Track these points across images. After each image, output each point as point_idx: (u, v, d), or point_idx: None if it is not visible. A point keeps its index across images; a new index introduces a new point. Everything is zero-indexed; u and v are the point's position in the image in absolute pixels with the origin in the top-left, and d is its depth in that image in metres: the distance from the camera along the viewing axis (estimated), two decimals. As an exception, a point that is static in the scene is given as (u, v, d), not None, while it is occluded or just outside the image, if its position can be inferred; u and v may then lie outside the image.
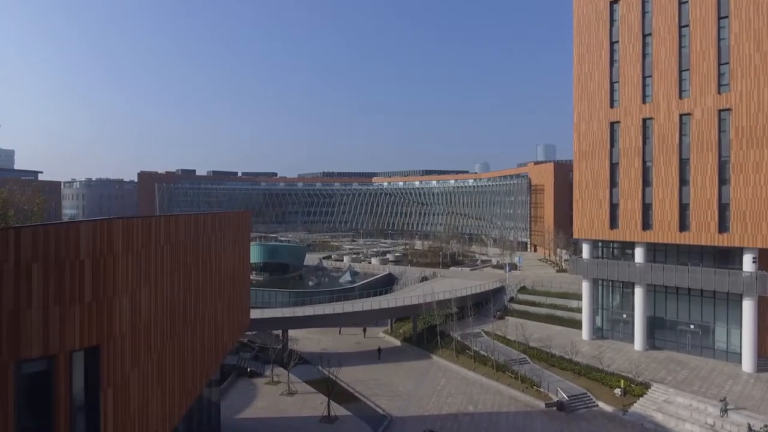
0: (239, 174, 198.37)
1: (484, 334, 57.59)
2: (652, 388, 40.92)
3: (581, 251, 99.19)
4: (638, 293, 50.87)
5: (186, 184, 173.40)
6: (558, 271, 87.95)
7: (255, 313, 51.76)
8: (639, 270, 49.84)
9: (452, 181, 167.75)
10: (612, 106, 51.74)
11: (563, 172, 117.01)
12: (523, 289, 70.81)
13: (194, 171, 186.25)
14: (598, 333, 55.15)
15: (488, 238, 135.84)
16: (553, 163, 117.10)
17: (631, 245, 51.67)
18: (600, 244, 55.31)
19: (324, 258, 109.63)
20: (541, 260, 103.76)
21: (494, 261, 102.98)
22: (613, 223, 51.75)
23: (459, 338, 54.53)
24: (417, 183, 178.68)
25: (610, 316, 55.24)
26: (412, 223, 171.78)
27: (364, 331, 63.00)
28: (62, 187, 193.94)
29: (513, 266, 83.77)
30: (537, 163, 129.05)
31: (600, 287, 55.71)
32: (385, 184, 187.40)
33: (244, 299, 33.61)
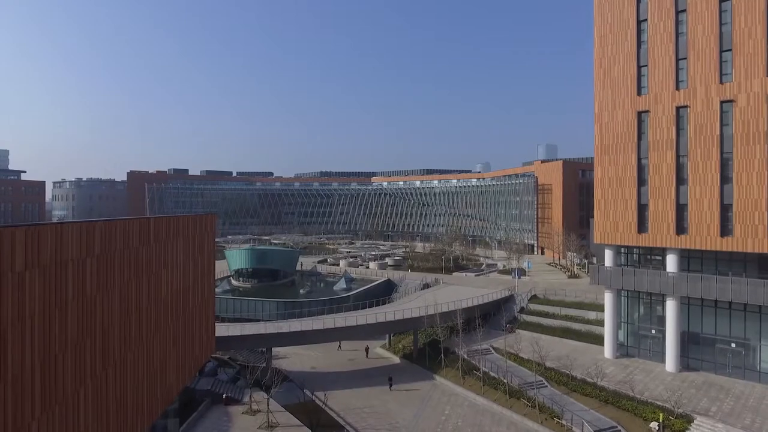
0: (234, 174, 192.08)
1: (493, 351, 51.40)
2: (695, 422, 34.67)
3: (593, 255, 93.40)
4: (670, 306, 44.58)
5: (177, 184, 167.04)
6: (570, 277, 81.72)
7: (235, 329, 45.67)
8: (673, 280, 43.54)
9: (455, 181, 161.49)
10: (640, 93, 45.47)
11: (572, 171, 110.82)
12: (534, 299, 64.51)
13: (187, 170, 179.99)
14: (622, 350, 48.88)
15: (492, 241, 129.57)
16: (561, 161, 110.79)
17: (660, 251, 45.48)
18: (623, 249, 49.03)
19: (319, 262, 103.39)
20: (549, 264, 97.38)
21: (500, 265, 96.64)
22: (642, 226, 45.45)
23: (465, 356, 48.32)
24: (418, 183, 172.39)
25: (635, 331, 48.98)
26: (413, 225, 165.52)
27: (367, 350, 55.51)
28: (52, 187, 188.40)
29: (522, 272, 77.41)
30: (544, 161, 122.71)
31: (623, 298, 49.41)
32: (385, 183, 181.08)
33: (205, 323, 27.29)
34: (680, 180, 43.02)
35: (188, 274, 23.71)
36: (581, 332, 54.60)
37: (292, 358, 54.26)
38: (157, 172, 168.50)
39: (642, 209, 45.45)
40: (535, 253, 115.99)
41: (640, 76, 45.61)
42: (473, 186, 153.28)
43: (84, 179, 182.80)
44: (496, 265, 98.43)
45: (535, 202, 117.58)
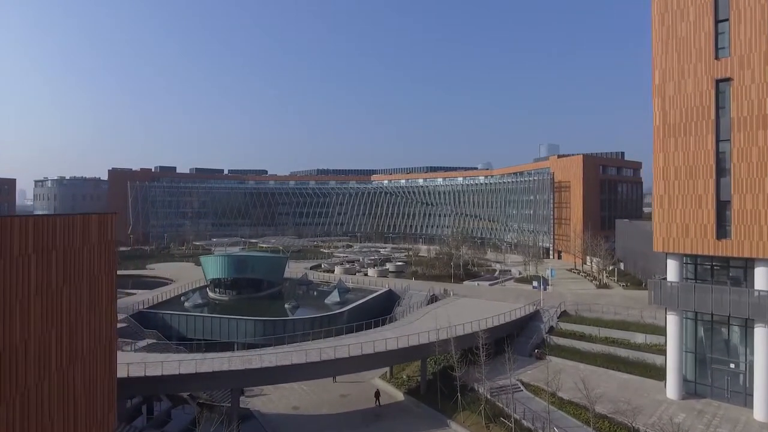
0: (225, 172, 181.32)
1: (522, 387, 40.75)
2: None
3: (621, 261, 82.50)
4: (761, 336, 33.89)
5: (163, 183, 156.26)
6: (599, 287, 71.02)
7: (188, 366, 34.82)
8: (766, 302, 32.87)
9: (460, 179, 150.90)
10: (718, 56, 34.84)
11: (593, 166, 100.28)
12: (564, 316, 53.83)
13: (174, 168, 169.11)
14: (687, 387, 38.24)
15: (503, 243, 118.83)
16: (582, 156, 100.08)
17: (742, 262, 34.87)
18: (686, 259, 38.34)
19: (312, 268, 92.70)
20: (571, 270, 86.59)
21: (515, 272, 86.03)
22: (722, 230, 34.77)
23: (489, 396, 37.75)
24: (421, 181, 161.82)
25: (705, 363, 38.24)
26: (416, 226, 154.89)
27: (377, 397, 41.37)
28: (33, 186, 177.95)
29: (545, 282, 66.69)
30: (561, 156, 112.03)
31: (685, 320, 38.76)
32: (386, 182, 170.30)
33: (94, 404, 16.54)
34: (778, 168, 32.40)
35: (38, 319, 13.03)
36: (629, 361, 44.03)
37: (269, 395, 43.59)
38: (141, 169, 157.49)
39: (722, 207, 34.79)
40: (552, 257, 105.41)
41: (718, 33, 34.96)
42: (481, 184, 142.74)
43: (67, 177, 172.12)
44: (511, 271, 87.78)
45: (551, 201, 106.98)
